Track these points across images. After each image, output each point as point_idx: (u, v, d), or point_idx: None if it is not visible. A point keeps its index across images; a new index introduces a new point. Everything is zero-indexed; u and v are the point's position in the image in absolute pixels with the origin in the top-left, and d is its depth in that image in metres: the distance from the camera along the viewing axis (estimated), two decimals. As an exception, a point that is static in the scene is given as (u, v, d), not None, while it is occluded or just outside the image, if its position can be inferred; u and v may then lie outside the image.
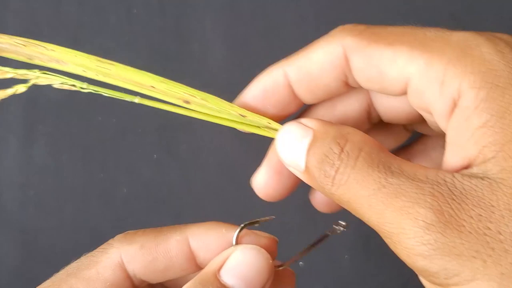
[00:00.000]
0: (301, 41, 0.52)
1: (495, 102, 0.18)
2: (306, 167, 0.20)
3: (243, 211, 0.48)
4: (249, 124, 0.24)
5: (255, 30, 0.49)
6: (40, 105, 0.50)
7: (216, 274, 0.21)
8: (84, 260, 0.24)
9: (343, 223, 0.31)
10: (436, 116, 0.21)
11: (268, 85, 0.24)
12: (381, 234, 0.19)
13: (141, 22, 0.51)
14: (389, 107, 0.25)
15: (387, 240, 0.19)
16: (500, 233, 0.16)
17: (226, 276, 0.21)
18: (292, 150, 0.21)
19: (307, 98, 0.24)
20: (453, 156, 0.19)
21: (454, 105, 0.19)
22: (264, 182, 0.25)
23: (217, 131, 0.48)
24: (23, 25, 0.52)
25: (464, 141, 0.19)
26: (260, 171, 0.25)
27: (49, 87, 0.51)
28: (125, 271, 0.23)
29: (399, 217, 0.18)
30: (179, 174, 0.49)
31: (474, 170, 0.18)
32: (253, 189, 0.25)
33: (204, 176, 0.48)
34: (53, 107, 0.50)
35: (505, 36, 0.20)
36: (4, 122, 0.51)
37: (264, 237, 0.24)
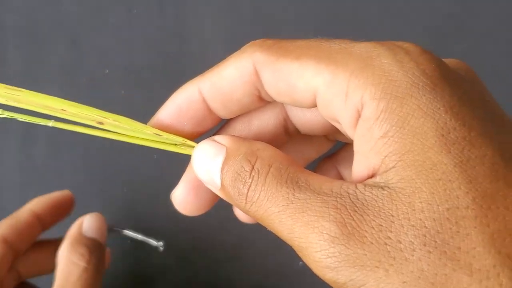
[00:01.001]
0: (301, 41, 0.52)
1: (394, 112, 0.18)
2: (222, 185, 0.21)
3: (243, 211, 0.48)
4: (165, 143, 0.25)
5: (255, 30, 0.50)
6: (40, 105, 0.50)
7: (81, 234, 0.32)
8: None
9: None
10: (344, 126, 0.21)
11: (183, 102, 0.25)
12: (294, 248, 0.20)
13: (140, 22, 0.51)
14: (304, 119, 0.25)
15: (299, 254, 0.20)
16: (400, 242, 0.17)
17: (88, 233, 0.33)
18: (207, 168, 0.22)
19: (222, 113, 0.25)
20: (359, 165, 0.20)
21: (358, 115, 0.20)
22: (182, 197, 0.25)
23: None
24: (22, 25, 0.52)
25: (367, 150, 0.19)
26: (179, 187, 0.26)
27: (49, 87, 0.51)
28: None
29: (306, 232, 0.18)
30: (179, 174, 0.49)
31: (378, 179, 0.18)
32: (173, 203, 0.25)
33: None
34: (53, 107, 0.50)
35: (406, 45, 0.21)
36: (4, 122, 0.51)
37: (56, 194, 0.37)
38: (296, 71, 0.21)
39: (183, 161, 0.51)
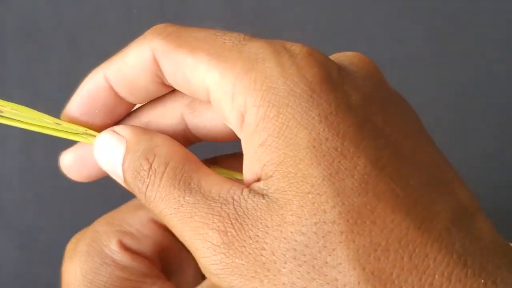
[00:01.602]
0: (302, 42, 0.52)
1: (271, 121, 0.18)
2: (124, 179, 0.21)
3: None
4: (66, 131, 0.24)
5: (255, 30, 0.49)
6: (39, 105, 0.50)
7: None
8: None
9: None
10: (232, 127, 0.21)
11: (91, 90, 0.24)
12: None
13: (141, 23, 0.51)
14: (205, 116, 0.25)
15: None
16: (274, 254, 0.17)
17: None
18: (109, 160, 0.22)
19: (131, 99, 0.24)
20: (246, 168, 0.20)
21: (243, 119, 0.19)
22: (69, 164, 0.25)
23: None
24: (22, 26, 0.52)
25: (251, 156, 0.19)
26: (67, 154, 0.25)
27: (49, 87, 0.51)
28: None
29: (194, 237, 0.19)
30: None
31: (261, 185, 0.18)
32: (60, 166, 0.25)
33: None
34: (53, 108, 0.50)
35: (293, 47, 0.21)
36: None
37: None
38: (190, 65, 0.21)
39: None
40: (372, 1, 0.49)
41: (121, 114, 0.25)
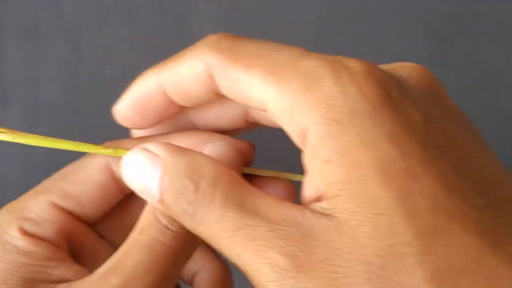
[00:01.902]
0: (302, 41, 0.52)
1: (334, 139, 0.18)
2: (161, 200, 0.20)
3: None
4: (95, 147, 0.24)
5: (255, 30, 0.50)
6: (41, 105, 0.50)
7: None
8: (72, 166, 0.25)
9: None
10: (293, 140, 0.21)
11: (143, 92, 0.24)
12: (244, 272, 0.20)
13: (140, 22, 0.51)
14: (265, 116, 0.25)
15: (247, 276, 0.19)
16: (348, 276, 0.17)
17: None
18: (141, 180, 0.21)
19: (184, 104, 0.25)
20: (308, 185, 0.19)
21: (304, 136, 0.19)
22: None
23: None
24: (22, 25, 0.52)
25: (314, 173, 0.19)
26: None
27: (49, 87, 0.51)
28: (112, 173, 0.24)
29: (256, 261, 0.18)
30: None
31: (324, 205, 0.18)
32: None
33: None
34: (53, 108, 0.50)
35: (352, 64, 0.20)
36: (5, 123, 0.51)
37: (239, 141, 0.24)
38: (246, 81, 0.21)
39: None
40: (372, 1, 0.49)
41: (171, 115, 0.25)
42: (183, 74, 0.24)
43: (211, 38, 0.24)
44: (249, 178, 0.23)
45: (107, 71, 0.50)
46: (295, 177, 0.25)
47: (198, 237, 0.20)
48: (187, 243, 0.20)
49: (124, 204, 0.25)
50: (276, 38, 0.49)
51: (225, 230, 0.19)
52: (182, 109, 0.26)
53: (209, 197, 0.19)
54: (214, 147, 0.22)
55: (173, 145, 0.21)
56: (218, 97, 0.24)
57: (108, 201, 0.25)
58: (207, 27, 0.50)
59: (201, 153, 0.21)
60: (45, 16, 0.51)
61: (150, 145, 0.21)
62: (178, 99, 0.24)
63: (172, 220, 0.20)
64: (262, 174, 0.23)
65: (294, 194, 0.23)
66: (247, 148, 0.25)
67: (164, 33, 0.50)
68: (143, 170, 0.20)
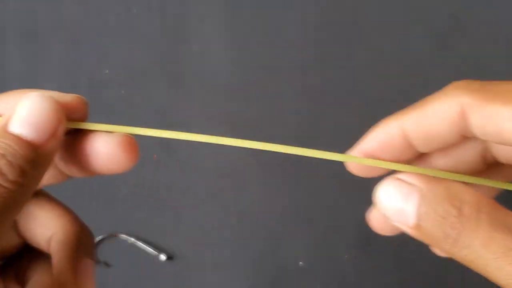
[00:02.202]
0: (301, 42, 0.52)
1: None
2: (418, 225, 0.21)
3: (242, 211, 0.48)
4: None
5: (255, 30, 0.50)
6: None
7: (5, 127, 0.20)
8: None
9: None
10: None
11: (385, 137, 0.26)
12: None
13: (141, 22, 0.51)
14: (508, 152, 0.26)
15: None
16: None
17: (13, 126, 0.20)
18: (398, 208, 0.22)
19: (422, 148, 0.26)
20: None
21: None
22: (379, 221, 0.27)
23: (216, 132, 0.49)
24: (23, 25, 0.52)
25: None
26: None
27: (49, 87, 0.51)
28: None
29: None
30: (178, 174, 0.49)
31: None
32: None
33: (204, 176, 0.49)
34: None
35: None
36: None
37: (68, 95, 0.22)
38: (507, 116, 0.22)
39: (183, 161, 0.51)
40: (372, 1, 0.49)
41: (406, 159, 0.26)
42: (432, 116, 0.24)
43: (459, 83, 0.24)
44: (83, 133, 0.22)
45: (107, 71, 0.50)
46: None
47: (19, 193, 0.19)
48: (3, 199, 0.19)
49: None
50: (276, 38, 0.50)
51: (494, 252, 0.19)
52: (414, 154, 0.27)
53: (474, 221, 0.20)
54: (28, 101, 0.20)
55: (426, 176, 0.23)
56: (462, 139, 0.25)
57: None
58: (207, 27, 0.50)
59: (456, 181, 0.22)
60: (45, 17, 0.51)
61: (404, 176, 0.23)
62: (421, 143, 0.25)
63: None
64: (96, 128, 0.22)
65: (133, 146, 0.22)
66: (76, 101, 0.23)
67: (164, 33, 0.50)
68: (398, 198, 0.22)
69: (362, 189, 0.48)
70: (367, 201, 0.51)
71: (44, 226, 0.25)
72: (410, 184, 0.22)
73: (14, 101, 0.21)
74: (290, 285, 0.47)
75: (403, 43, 0.49)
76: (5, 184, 0.19)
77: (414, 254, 0.47)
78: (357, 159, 0.26)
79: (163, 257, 0.48)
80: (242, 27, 0.50)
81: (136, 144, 0.23)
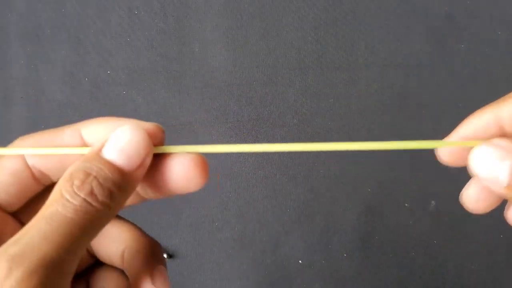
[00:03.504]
0: (301, 42, 0.53)
1: None
2: (509, 185, 0.23)
3: (242, 211, 0.48)
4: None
5: (255, 31, 0.50)
6: (43, 105, 0.51)
7: (99, 152, 0.22)
8: None
9: None
10: None
11: (481, 124, 0.27)
12: None
13: (142, 23, 0.51)
14: None
15: None
16: None
17: (106, 152, 0.22)
18: (492, 168, 0.24)
19: None
20: None
21: None
22: (473, 197, 0.27)
23: (217, 132, 0.49)
24: (26, 26, 0.52)
25: None
26: (469, 187, 0.27)
27: (51, 87, 0.51)
28: (25, 161, 0.25)
29: None
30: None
31: None
32: (463, 204, 0.28)
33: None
34: (55, 107, 0.51)
35: None
36: (7, 122, 0.52)
37: (149, 124, 0.24)
38: None
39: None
40: (372, 2, 0.50)
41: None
42: None
43: None
44: (161, 156, 0.24)
45: (109, 71, 0.51)
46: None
47: (105, 213, 0.21)
48: (89, 216, 0.20)
49: (46, 195, 0.25)
50: (276, 39, 0.50)
51: None
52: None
53: None
54: (122, 131, 0.22)
55: None
56: None
57: (23, 189, 0.25)
58: (208, 28, 0.50)
59: None
60: (48, 19, 0.52)
61: (498, 140, 0.24)
62: None
63: (75, 194, 0.20)
64: (173, 151, 0.24)
65: (205, 164, 0.24)
66: (156, 129, 0.25)
67: (165, 34, 0.51)
68: (493, 159, 0.24)
69: (362, 189, 0.48)
70: (367, 201, 0.52)
71: (117, 241, 0.26)
72: (504, 147, 0.24)
73: (101, 129, 0.24)
74: (290, 283, 0.48)
75: (402, 43, 0.49)
76: (95, 204, 0.20)
77: (412, 252, 0.47)
78: (440, 143, 0.27)
79: (164, 255, 0.48)
80: (242, 27, 0.50)
81: (206, 162, 0.24)
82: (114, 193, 0.21)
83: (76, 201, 0.20)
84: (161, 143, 0.25)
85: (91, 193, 0.20)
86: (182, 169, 0.23)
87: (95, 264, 0.27)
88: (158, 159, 0.23)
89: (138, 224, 0.29)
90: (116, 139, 0.22)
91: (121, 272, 0.27)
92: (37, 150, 0.24)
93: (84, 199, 0.20)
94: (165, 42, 0.50)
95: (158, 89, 0.50)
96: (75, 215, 0.20)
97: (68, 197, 0.20)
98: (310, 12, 0.50)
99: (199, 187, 0.23)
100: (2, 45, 0.52)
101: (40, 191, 0.25)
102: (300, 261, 0.47)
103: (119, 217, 0.27)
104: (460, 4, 0.49)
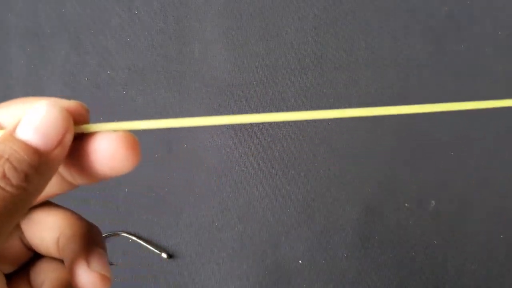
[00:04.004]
0: (300, 42, 0.53)
1: None
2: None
3: (242, 211, 0.48)
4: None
5: (255, 31, 0.50)
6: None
7: (12, 132, 0.20)
8: None
9: None
10: None
11: None
12: None
13: (142, 23, 0.51)
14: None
15: None
16: None
17: (20, 132, 0.20)
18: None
19: None
20: None
21: None
22: None
23: (217, 131, 0.49)
24: (26, 26, 0.52)
25: None
26: None
27: (52, 87, 0.51)
28: None
29: None
30: (179, 173, 0.49)
31: None
32: None
33: (204, 176, 0.49)
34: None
35: None
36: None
37: (70, 101, 0.22)
38: None
39: (184, 160, 0.51)
40: (371, 1, 0.50)
41: None
42: None
43: None
44: (84, 138, 0.22)
45: (109, 71, 0.51)
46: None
47: (22, 198, 0.19)
48: (4, 203, 0.19)
49: None
50: (275, 39, 0.50)
51: None
52: None
53: None
54: (37, 108, 0.20)
55: None
56: None
57: None
58: (208, 28, 0.50)
59: None
60: (48, 19, 0.52)
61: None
62: None
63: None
64: (97, 129, 0.22)
65: (135, 142, 0.22)
66: (78, 107, 0.22)
67: (165, 34, 0.51)
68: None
69: (362, 189, 0.48)
70: (367, 201, 0.52)
71: (51, 228, 0.25)
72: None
73: (18, 110, 0.21)
74: (290, 283, 0.48)
75: (402, 43, 0.49)
76: (8, 188, 0.19)
77: (412, 252, 0.47)
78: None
79: (164, 255, 0.48)
80: (242, 27, 0.50)
81: (137, 140, 0.22)
82: (30, 176, 0.19)
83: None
84: (85, 122, 0.22)
85: (4, 176, 0.18)
86: (108, 149, 0.21)
87: (35, 257, 0.25)
88: (82, 140, 0.21)
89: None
90: (31, 117, 0.20)
91: (61, 262, 0.25)
92: None
93: None
94: (165, 42, 0.50)
95: (158, 89, 0.50)
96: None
97: None
98: (310, 12, 0.50)
99: (129, 169, 0.21)
100: (2, 45, 0.52)
101: None
102: (300, 261, 0.47)
103: (53, 204, 0.26)
104: (460, 4, 0.49)
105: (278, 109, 0.49)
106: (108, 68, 0.51)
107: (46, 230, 0.24)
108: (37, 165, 0.19)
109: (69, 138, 0.20)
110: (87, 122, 0.22)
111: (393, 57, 0.49)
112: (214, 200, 0.49)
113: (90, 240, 0.24)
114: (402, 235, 0.47)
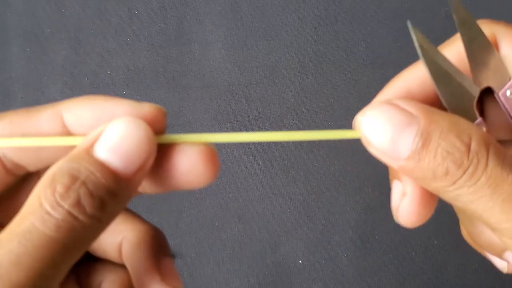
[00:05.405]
0: (300, 42, 0.53)
1: None
2: (412, 158, 0.18)
3: (242, 211, 0.48)
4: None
5: (255, 31, 0.50)
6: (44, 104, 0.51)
7: (89, 149, 0.17)
8: None
9: None
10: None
11: (391, 95, 0.22)
12: (503, 237, 0.18)
13: (142, 24, 0.51)
14: None
15: (510, 242, 0.18)
16: None
17: (99, 151, 0.17)
18: (391, 137, 0.18)
19: None
20: None
21: None
22: (410, 210, 0.22)
23: (217, 132, 0.49)
24: (26, 27, 0.52)
25: None
26: (405, 200, 0.22)
27: (51, 88, 0.51)
28: None
29: None
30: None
31: None
32: (397, 219, 0.23)
33: (205, 176, 0.49)
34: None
35: None
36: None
37: (147, 107, 0.19)
38: None
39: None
40: (371, 1, 0.50)
41: None
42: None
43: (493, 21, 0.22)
44: (163, 146, 0.19)
45: (109, 72, 0.51)
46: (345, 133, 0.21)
47: (93, 229, 0.17)
48: (75, 234, 0.16)
49: (21, 188, 0.21)
50: (275, 39, 0.50)
51: (501, 194, 0.17)
52: None
53: (483, 159, 0.17)
54: (119, 124, 0.18)
55: (425, 106, 0.19)
56: None
57: None
58: (208, 28, 0.50)
59: (461, 117, 0.19)
60: (48, 19, 0.52)
61: (400, 101, 0.19)
62: None
63: (57, 205, 0.16)
64: (179, 141, 0.20)
65: (216, 157, 0.20)
66: (157, 113, 0.20)
67: (165, 34, 0.51)
68: (394, 126, 0.18)
69: (362, 189, 0.48)
70: (367, 201, 0.52)
71: (112, 232, 0.22)
72: (406, 112, 0.18)
73: (84, 112, 0.19)
74: (290, 283, 0.48)
75: (402, 43, 0.49)
76: (82, 218, 0.16)
77: (412, 252, 0.47)
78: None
79: (169, 246, 0.48)
80: (242, 28, 0.50)
81: (217, 155, 0.20)
82: (106, 203, 0.17)
83: (59, 214, 0.16)
84: (162, 128, 0.20)
85: (78, 203, 0.16)
86: (189, 163, 0.19)
87: (86, 257, 0.23)
88: (159, 150, 0.19)
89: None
90: (112, 134, 0.18)
91: (120, 265, 0.23)
92: (8, 142, 0.19)
93: (69, 212, 0.16)
94: (165, 42, 0.50)
95: (158, 89, 0.50)
96: (57, 233, 0.16)
97: (48, 208, 0.16)
98: (310, 12, 0.50)
99: (207, 183, 0.19)
100: (2, 45, 0.52)
101: (13, 183, 0.21)
102: (300, 261, 0.47)
103: None
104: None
105: (278, 109, 0.49)
106: (108, 68, 0.51)
107: (106, 233, 0.20)
108: (115, 191, 0.17)
109: (151, 162, 0.18)
110: (164, 127, 0.20)
111: (393, 57, 0.49)
112: (214, 200, 0.49)
113: (158, 248, 0.22)
114: (402, 235, 0.48)
